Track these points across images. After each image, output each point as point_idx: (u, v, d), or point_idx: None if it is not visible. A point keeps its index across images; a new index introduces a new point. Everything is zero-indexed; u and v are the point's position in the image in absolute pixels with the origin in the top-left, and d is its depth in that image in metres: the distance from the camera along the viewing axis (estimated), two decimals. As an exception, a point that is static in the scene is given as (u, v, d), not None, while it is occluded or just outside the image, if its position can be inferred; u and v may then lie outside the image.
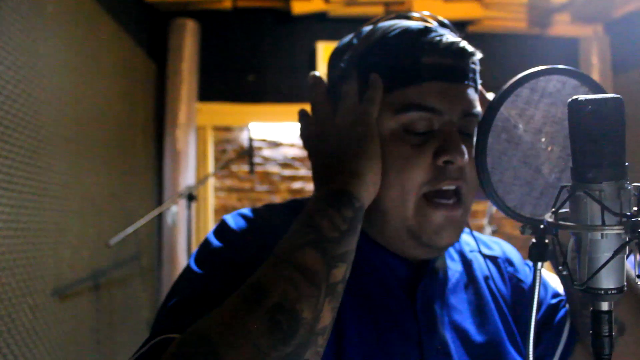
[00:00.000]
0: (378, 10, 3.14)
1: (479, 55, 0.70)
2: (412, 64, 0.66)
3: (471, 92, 0.69)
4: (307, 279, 0.51)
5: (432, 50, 0.66)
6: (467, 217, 0.72)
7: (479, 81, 0.72)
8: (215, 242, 0.67)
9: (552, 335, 0.75)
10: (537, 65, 0.57)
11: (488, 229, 2.77)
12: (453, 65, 0.67)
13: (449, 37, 0.68)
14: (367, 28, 0.73)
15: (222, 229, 0.70)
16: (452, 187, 0.68)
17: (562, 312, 0.77)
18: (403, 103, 0.66)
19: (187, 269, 0.65)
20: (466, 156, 0.66)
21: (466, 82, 0.68)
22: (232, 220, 0.71)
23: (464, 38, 0.70)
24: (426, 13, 0.74)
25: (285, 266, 0.52)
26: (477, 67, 0.71)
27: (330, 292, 0.52)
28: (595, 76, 3.27)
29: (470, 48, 0.68)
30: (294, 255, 0.52)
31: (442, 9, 3.15)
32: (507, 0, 3.22)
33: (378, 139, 0.65)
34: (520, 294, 0.80)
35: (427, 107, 0.65)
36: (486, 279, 0.79)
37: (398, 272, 0.72)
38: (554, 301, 0.79)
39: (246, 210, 0.73)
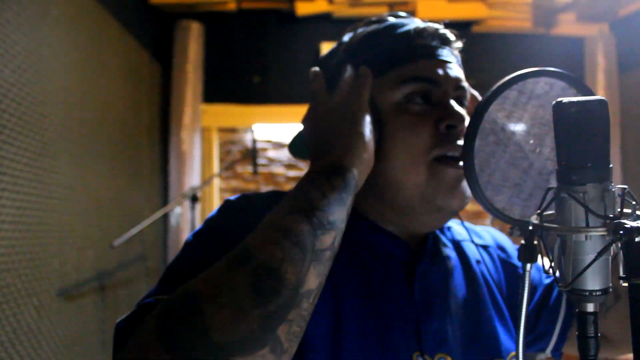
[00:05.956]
0: (382, 10, 3.14)
1: (460, 43, 0.77)
2: (406, 46, 0.73)
3: (460, 69, 0.76)
4: (293, 243, 0.52)
5: (421, 35, 0.74)
6: None
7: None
8: (215, 217, 0.70)
9: (550, 313, 0.77)
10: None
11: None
12: (441, 47, 0.74)
13: (434, 25, 0.75)
14: (355, 28, 0.79)
15: (223, 207, 0.73)
16: (458, 154, 0.70)
17: (557, 289, 0.78)
18: (403, 77, 0.71)
19: (185, 243, 0.68)
20: (466, 121, 0.69)
21: (455, 62, 0.75)
22: (235, 200, 0.74)
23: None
24: (402, 14, 0.79)
25: (272, 231, 0.53)
26: (459, 56, 0.78)
27: (316, 257, 0.53)
28: (601, 76, 3.25)
29: (452, 36, 0.76)
30: (282, 220, 0.54)
31: (446, 9, 3.14)
32: (512, 0, 3.21)
33: (369, 116, 0.68)
34: (515, 279, 0.81)
35: (426, 78, 0.71)
36: (478, 262, 0.81)
37: (398, 257, 0.74)
38: (548, 281, 0.81)
39: (250, 193, 0.76)
